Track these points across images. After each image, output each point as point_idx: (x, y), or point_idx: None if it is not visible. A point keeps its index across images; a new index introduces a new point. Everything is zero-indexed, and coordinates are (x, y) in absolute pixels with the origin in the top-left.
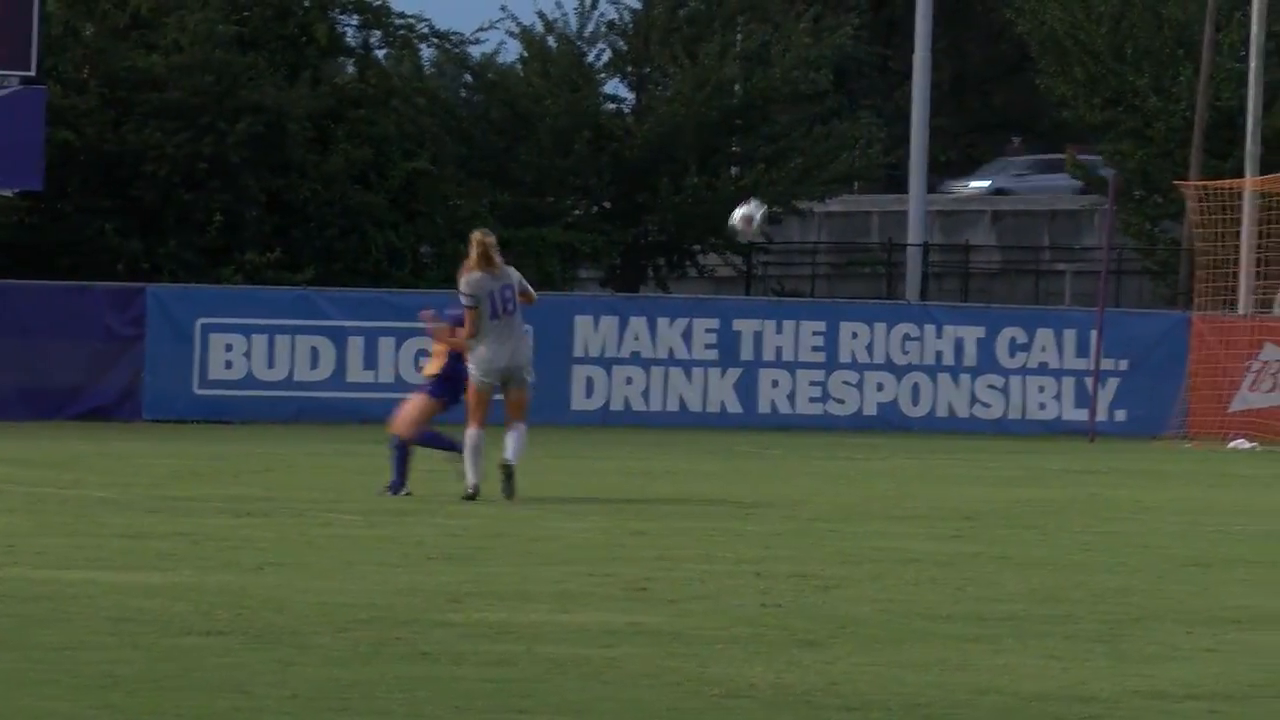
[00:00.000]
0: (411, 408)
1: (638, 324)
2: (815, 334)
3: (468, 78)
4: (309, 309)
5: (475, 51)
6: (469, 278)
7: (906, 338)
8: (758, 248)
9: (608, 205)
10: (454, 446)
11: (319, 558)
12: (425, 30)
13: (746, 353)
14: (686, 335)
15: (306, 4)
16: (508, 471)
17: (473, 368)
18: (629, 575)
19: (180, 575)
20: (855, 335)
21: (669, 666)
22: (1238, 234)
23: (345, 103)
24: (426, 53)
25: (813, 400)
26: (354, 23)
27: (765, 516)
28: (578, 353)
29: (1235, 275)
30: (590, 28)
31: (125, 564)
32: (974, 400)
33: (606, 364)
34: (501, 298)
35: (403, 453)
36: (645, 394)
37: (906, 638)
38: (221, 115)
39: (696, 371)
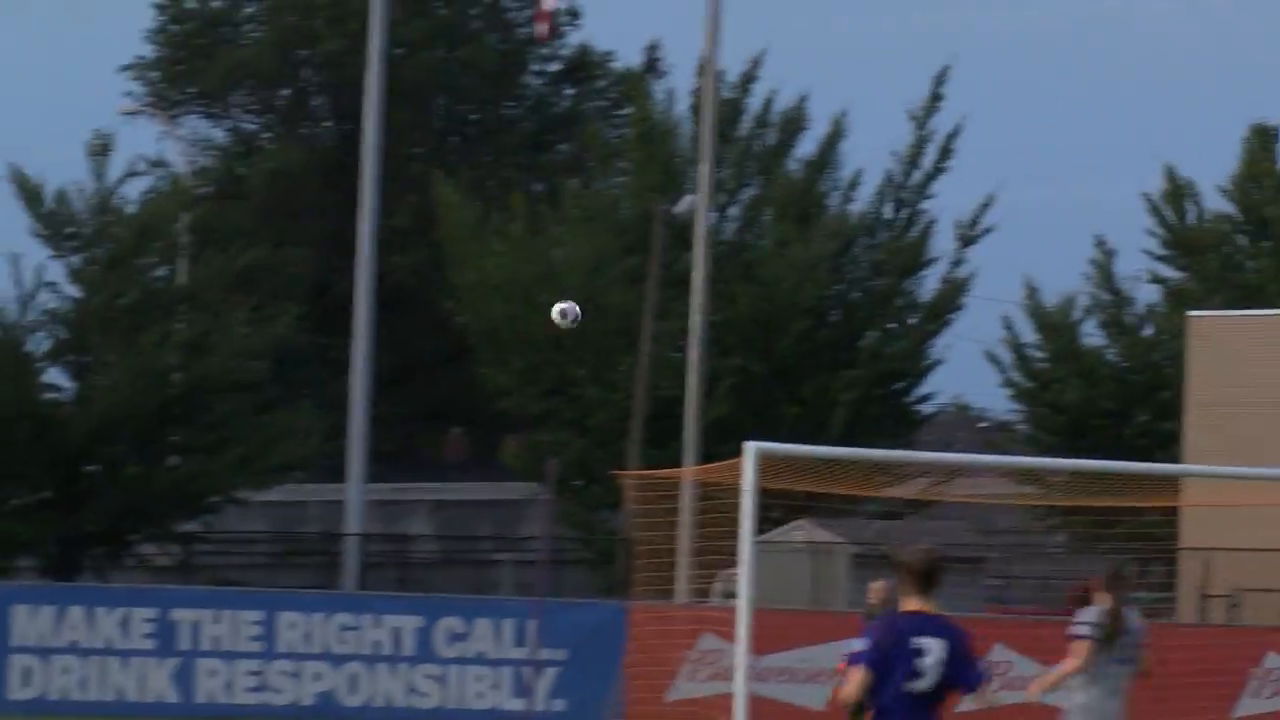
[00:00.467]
0: None
1: (76, 613)
2: (253, 623)
3: None
4: None
5: None
6: None
7: (344, 627)
8: (196, 538)
9: (47, 494)
10: None
11: None
12: None
13: (184, 642)
14: (124, 624)
15: None
16: None
17: None
18: None
19: None
20: (293, 625)
21: None
22: (676, 524)
23: None
24: None
25: (250, 690)
26: None
27: None
28: (14, 642)
29: (673, 564)
30: (30, 315)
31: None
32: (411, 690)
33: (44, 653)
34: None
35: None
36: (83, 683)
37: None
38: None
39: (135, 660)
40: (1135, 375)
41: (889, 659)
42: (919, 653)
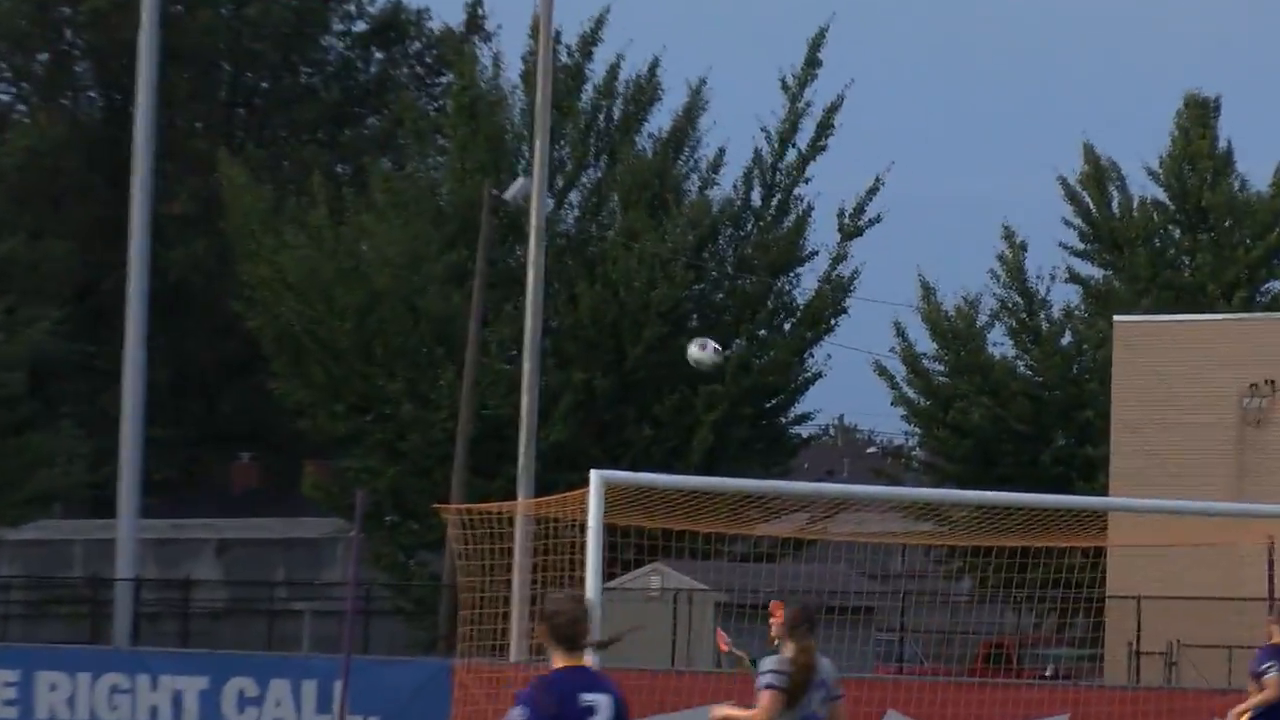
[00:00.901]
0: None
1: None
2: (7, 684)
3: None
4: None
5: None
6: None
7: (115, 689)
8: None
9: None
10: None
11: None
12: None
13: None
14: None
15: None
16: None
17: None
18: None
19: None
20: (54, 687)
21: None
22: (509, 567)
23: None
24: None
25: None
26: None
27: None
28: None
29: (506, 616)
30: None
31: None
32: None
33: None
34: None
35: None
36: None
37: None
38: None
39: None
40: (1051, 391)
41: None
42: (590, 711)
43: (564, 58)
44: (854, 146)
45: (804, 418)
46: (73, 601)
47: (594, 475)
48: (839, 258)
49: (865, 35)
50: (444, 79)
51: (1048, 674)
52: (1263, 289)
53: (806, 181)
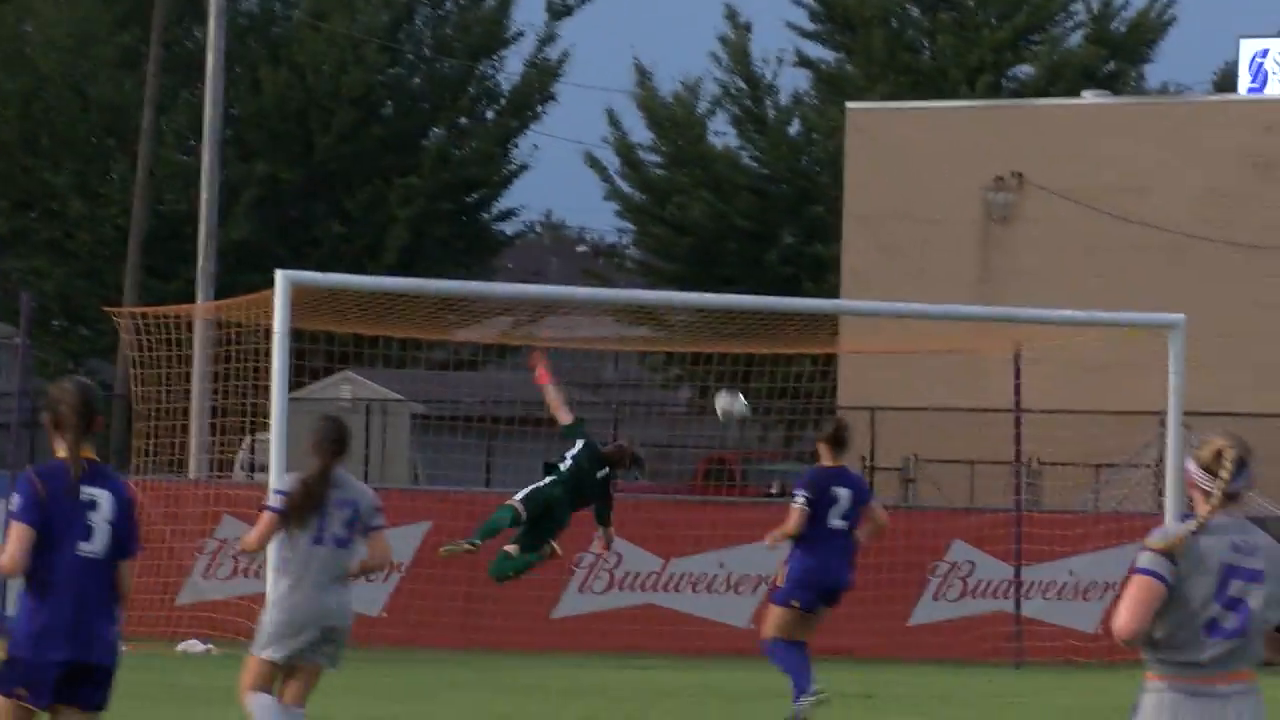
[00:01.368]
0: None
1: None
2: None
3: None
4: None
5: None
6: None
7: None
8: None
9: None
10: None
11: None
12: None
13: None
14: None
15: None
16: None
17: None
18: None
19: None
20: None
21: None
22: (188, 375)
23: None
24: None
25: None
26: None
27: None
28: None
29: (184, 429)
30: None
31: None
32: None
33: None
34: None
35: None
36: None
37: None
38: None
39: None
40: (778, 185)
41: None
42: (91, 505)
43: None
44: None
45: (508, 214)
46: None
47: (279, 276)
48: (546, 39)
49: None
50: None
51: (773, 491)
52: (1009, 74)
53: None
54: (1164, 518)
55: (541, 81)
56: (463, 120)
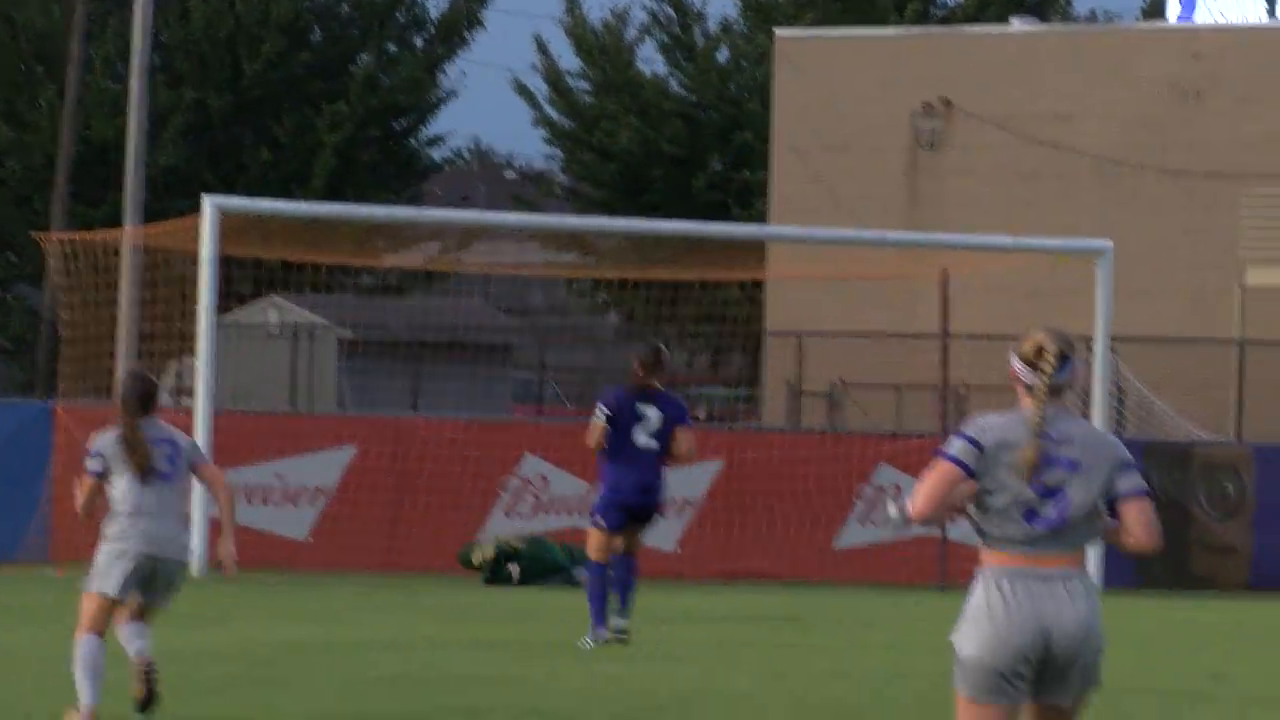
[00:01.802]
0: None
1: None
2: None
3: None
4: None
5: None
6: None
7: None
8: None
9: None
10: None
11: None
12: None
13: None
14: None
15: None
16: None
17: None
18: None
19: None
20: None
21: None
22: (115, 301)
23: None
24: None
25: None
26: None
27: None
28: None
29: (111, 354)
30: None
31: None
32: None
33: None
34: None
35: None
36: None
37: None
38: None
39: None
40: (706, 112)
41: None
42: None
43: None
44: None
45: (437, 140)
46: None
47: (207, 202)
48: None
49: None
50: None
51: (701, 416)
52: (938, 1)
53: None
54: None
55: (469, 8)
56: (391, 47)
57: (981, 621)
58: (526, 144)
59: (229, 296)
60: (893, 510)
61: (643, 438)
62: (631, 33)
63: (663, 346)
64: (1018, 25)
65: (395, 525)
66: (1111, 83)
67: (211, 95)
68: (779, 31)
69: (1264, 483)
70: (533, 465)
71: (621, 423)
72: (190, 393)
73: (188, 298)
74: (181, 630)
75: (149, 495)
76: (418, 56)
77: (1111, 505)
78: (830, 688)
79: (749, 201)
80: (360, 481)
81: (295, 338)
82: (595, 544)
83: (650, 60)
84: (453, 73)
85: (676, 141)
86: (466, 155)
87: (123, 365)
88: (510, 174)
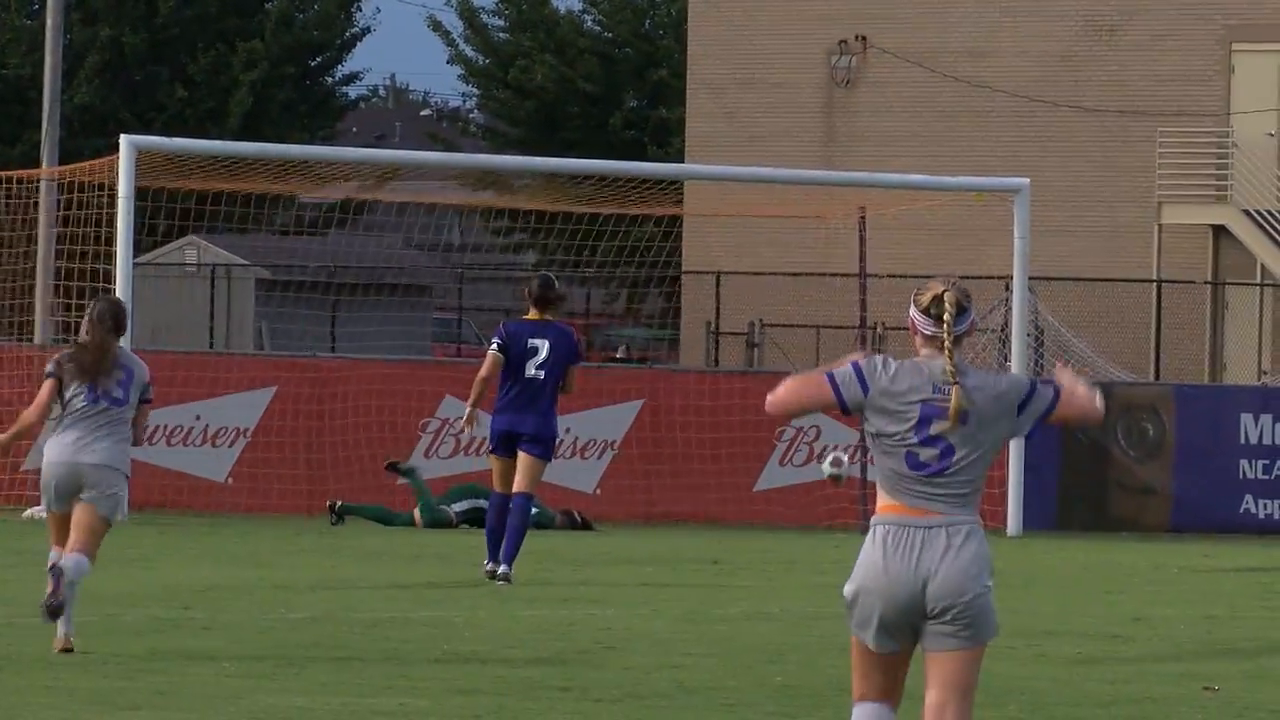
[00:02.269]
0: None
1: None
2: None
3: None
4: None
5: None
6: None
7: None
8: None
9: None
10: None
11: None
12: None
13: None
14: None
15: None
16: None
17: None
18: None
19: None
20: None
21: None
22: (30, 239)
23: None
24: None
25: None
26: None
27: None
28: None
29: (30, 290)
30: None
31: None
32: None
33: None
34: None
35: None
36: None
37: None
38: None
39: None
40: (622, 49)
41: None
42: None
43: None
44: None
45: (352, 78)
46: None
47: (124, 140)
48: None
49: None
50: None
51: (619, 356)
52: None
53: None
54: None
55: None
56: None
57: (863, 569)
58: (442, 82)
59: (147, 236)
60: (828, 467)
61: (532, 369)
62: None
63: (553, 279)
64: None
65: (314, 467)
66: (1027, 18)
67: (127, 33)
68: None
69: (1183, 423)
70: (453, 406)
71: (513, 354)
72: None
73: (105, 237)
74: (104, 573)
75: (94, 416)
76: None
77: (1048, 418)
78: (752, 629)
79: (665, 139)
80: (280, 424)
81: (213, 277)
82: (494, 473)
83: None
84: (367, 9)
85: (592, 79)
86: (382, 93)
87: (40, 305)
88: (426, 111)
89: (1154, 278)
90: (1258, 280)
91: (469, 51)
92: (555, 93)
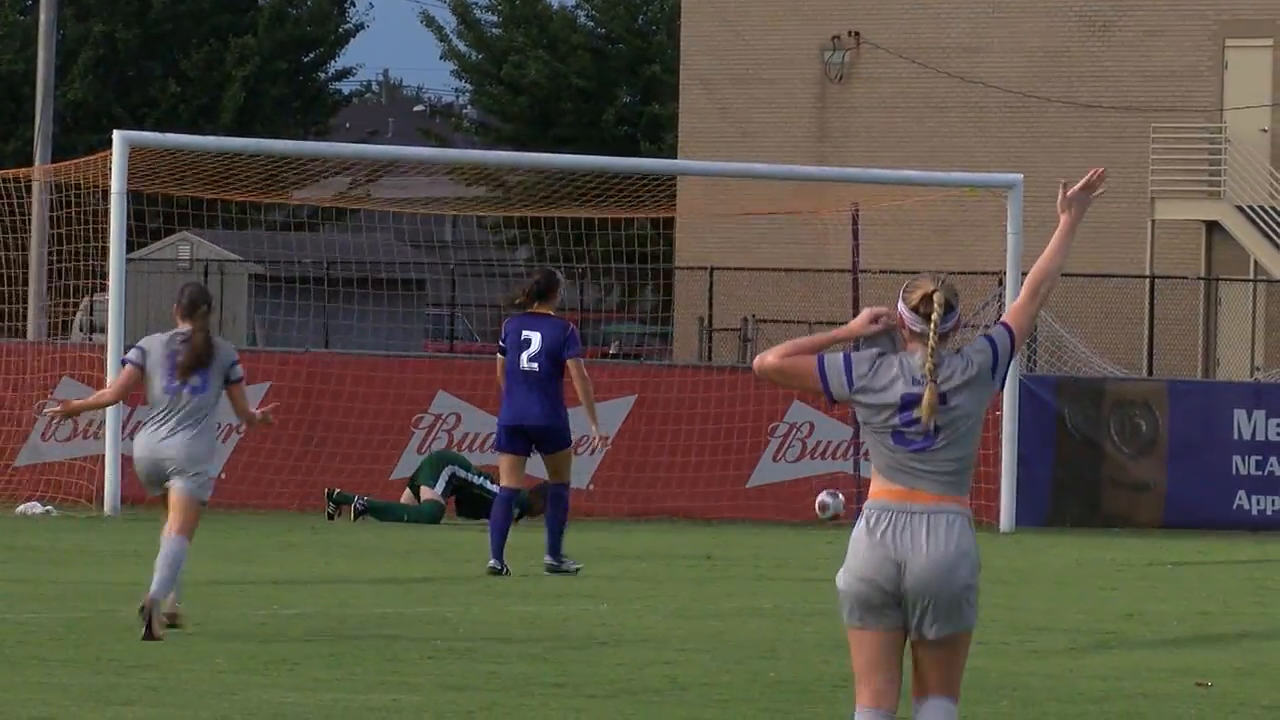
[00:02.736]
0: None
1: None
2: None
3: None
4: None
5: None
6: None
7: None
8: None
9: None
10: None
11: None
12: None
13: None
14: None
15: None
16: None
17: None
18: None
19: None
20: None
21: None
22: (24, 237)
23: None
24: None
25: None
26: None
27: None
28: None
29: (23, 290)
30: None
31: None
32: None
33: None
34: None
35: None
36: None
37: None
38: None
39: None
40: (615, 45)
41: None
42: None
43: None
44: None
45: (345, 73)
46: None
47: (117, 136)
48: None
49: None
50: None
51: (612, 352)
52: None
53: None
54: None
55: None
56: None
57: (851, 553)
58: (435, 77)
59: (140, 232)
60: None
61: (525, 362)
62: None
63: (553, 271)
64: None
65: (306, 461)
66: (1020, 14)
67: (120, 29)
68: None
69: (1176, 418)
70: (445, 402)
71: (510, 349)
72: (102, 328)
73: (98, 233)
74: (97, 568)
75: (180, 405)
76: None
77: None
78: (745, 625)
79: (658, 135)
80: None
81: (206, 273)
82: (501, 470)
83: None
84: (361, 4)
85: (585, 75)
86: (375, 89)
87: (33, 301)
88: (419, 107)
89: (1147, 273)
90: (1251, 276)
91: (462, 47)
92: (548, 88)
